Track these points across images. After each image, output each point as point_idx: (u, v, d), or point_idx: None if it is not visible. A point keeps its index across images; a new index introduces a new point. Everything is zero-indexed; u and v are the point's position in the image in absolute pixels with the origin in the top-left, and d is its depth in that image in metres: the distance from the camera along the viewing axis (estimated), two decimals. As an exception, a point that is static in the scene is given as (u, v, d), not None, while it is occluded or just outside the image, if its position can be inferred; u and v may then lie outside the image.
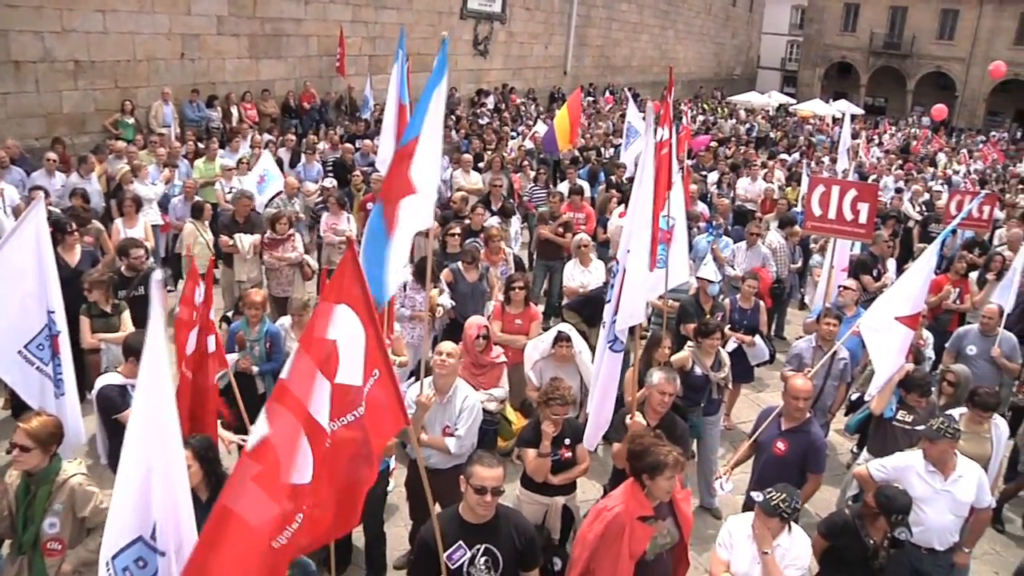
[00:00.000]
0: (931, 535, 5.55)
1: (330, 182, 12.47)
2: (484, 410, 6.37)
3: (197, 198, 11.38)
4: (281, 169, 13.23)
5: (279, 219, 9.74)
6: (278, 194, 11.86)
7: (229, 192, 12.00)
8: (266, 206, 11.54)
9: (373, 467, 4.12)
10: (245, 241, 9.69)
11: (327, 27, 20.44)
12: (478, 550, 4.39)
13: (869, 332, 6.59)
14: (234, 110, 17.51)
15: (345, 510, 4.01)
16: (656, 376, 5.87)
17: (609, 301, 5.62)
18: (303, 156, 14.37)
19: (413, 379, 5.93)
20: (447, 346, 5.88)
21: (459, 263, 8.85)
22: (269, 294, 9.73)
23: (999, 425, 6.54)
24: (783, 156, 21.49)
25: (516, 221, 11.45)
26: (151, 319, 3.19)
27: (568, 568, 4.88)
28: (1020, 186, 21.98)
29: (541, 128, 19.33)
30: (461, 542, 4.38)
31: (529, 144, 18.10)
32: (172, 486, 3.33)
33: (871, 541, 5.11)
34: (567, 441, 5.67)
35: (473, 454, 4.60)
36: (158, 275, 3.22)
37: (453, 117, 21.50)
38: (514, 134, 20.48)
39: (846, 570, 5.21)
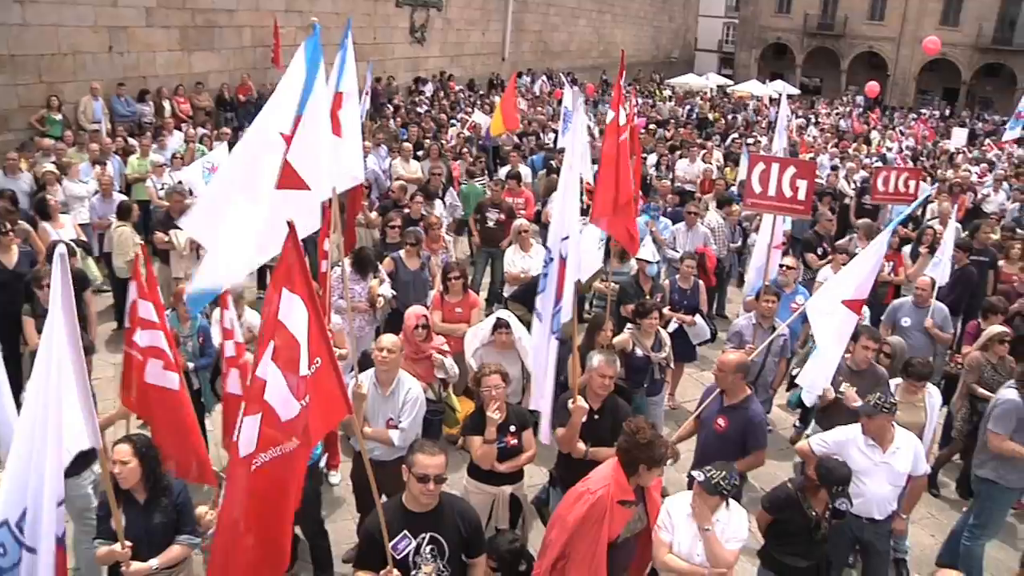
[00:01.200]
0: (871, 505, 5.68)
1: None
2: (428, 400, 6.35)
3: (124, 197, 11.10)
4: (217, 164, 12.97)
5: (217, 213, 9.56)
6: None
7: (161, 188, 11.74)
8: None
9: (307, 453, 4.12)
10: (181, 237, 9.50)
11: (260, 17, 20.06)
12: (423, 539, 4.38)
13: (817, 315, 6.54)
14: (166, 104, 17.11)
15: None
16: (596, 360, 5.86)
17: (543, 290, 5.59)
18: (239, 149, 14.06)
19: (354, 371, 5.87)
20: (387, 341, 5.81)
21: (400, 251, 8.79)
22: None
23: (932, 394, 6.72)
24: (755, 137, 21.38)
25: (440, 204, 11.38)
26: (51, 299, 3.10)
27: (542, 550, 4.84)
28: (949, 161, 22.48)
29: (479, 117, 19.30)
30: (406, 531, 4.36)
31: (468, 132, 18.05)
32: (41, 482, 3.29)
33: (813, 513, 5.21)
34: (512, 428, 5.66)
35: (414, 443, 4.56)
36: (61, 248, 3.14)
37: (391, 106, 21.34)
38: (453, 121, 20.37)
39: (790, 542, 5.30)
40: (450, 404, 6.99)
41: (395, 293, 8.40)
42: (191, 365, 6.85)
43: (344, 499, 7.17)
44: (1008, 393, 6.50)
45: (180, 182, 11.19)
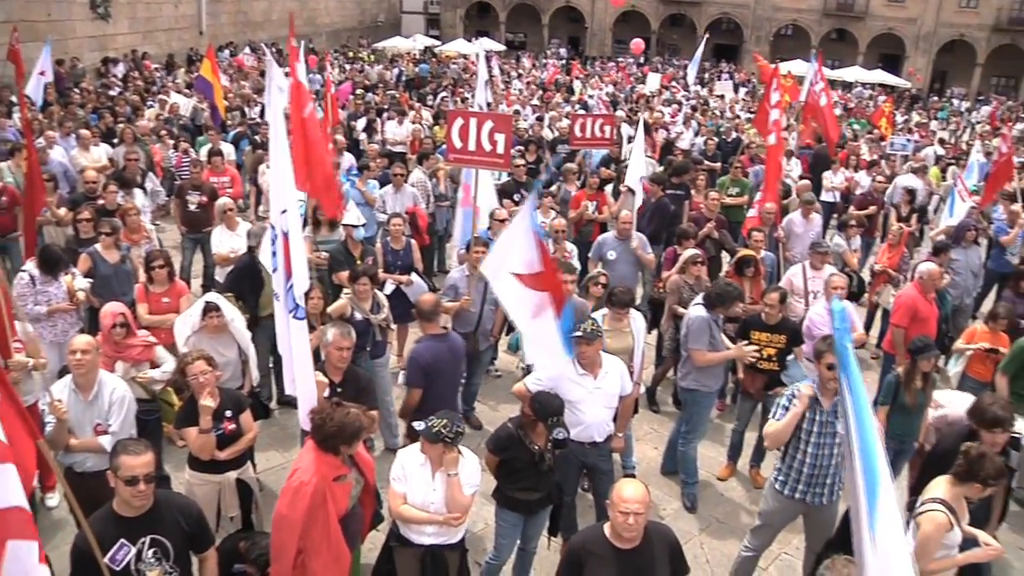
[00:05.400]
0: (591, 430, 6.02)
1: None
2: (140, 399, 6.00)
3: None
4: None
5: None
6: None
7: None
8: None
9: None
10: None
11: None
12: (143, 543, 4.18)
13: (490, 274, 6.20)
14: None
15: None
16: (330, 333, 5.84)
17: (276, 269, 5.42)
18: None
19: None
20: (79, 342, 5.41)
21: (96, 245, 8.17)
22: None
23: (636, 319, 7.17)
24: (462, 95, 21.34)
25: (141, 193, 10.69)
26: None
27: (275, 554, 4.63)
28: (646, 104, 24.08)
29: (179, 99, 18.27)
30: (123, 540, 4.13)
31: (168, 113, 17.06)
32: None
33: (535, 447, 5.41)
34: (228, 413, 5.49)
35: (116, 445, 4.28)
36: None
37: (78, 90, 19.64)
38: (151, 103, 19.07)
39: (519, 478, 5.48)
40: (166, 399, 6.58)
41: (91, 281, 7.79)
42: None
43: (66, 520, 6.60)
44: (696, 311, 7.14)
45: None
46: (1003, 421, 5.42)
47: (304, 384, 5.45)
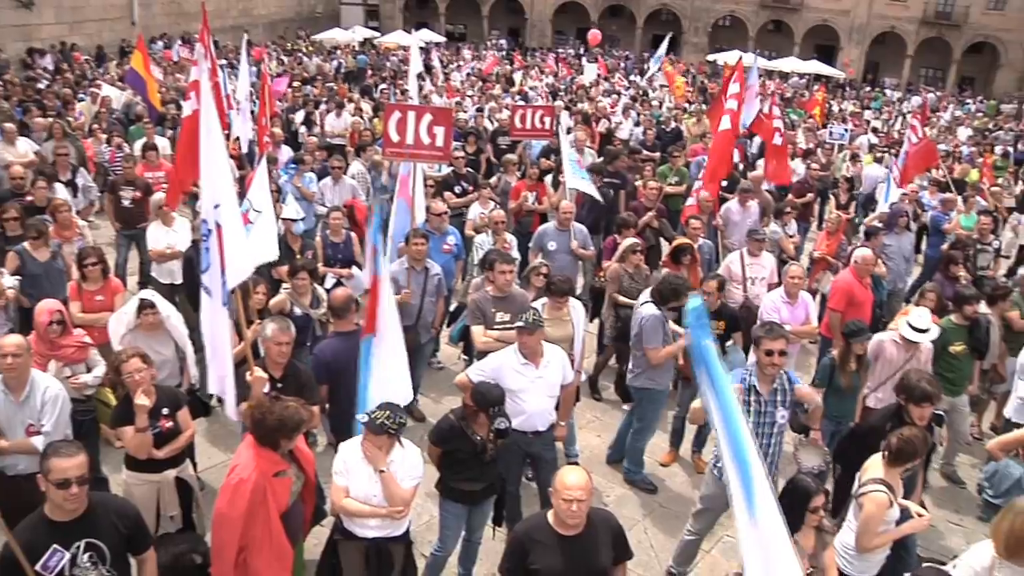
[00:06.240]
0: (534, 419, 6.04)
1: None
2: (76, 399, 5.87)
3: None
4: None
5: None
6: None
7: None
8: None
9: None
10: None
11: None
12: (78, 548, 4.09)
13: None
14: None
15: None
16: (269, 328, 5.78)
17: (208, 267, 5.32)
18: None
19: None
20: (9, 344, 5.26)
21: (24, 243, 7.96)
22: None
23: (576, 307, 7.18)
24: (401, 87, 21.22)
25: (61, 188, 10.38)
26: None
27: (216, 552, 4.61)
28: (586, 94, 24.19)
29: (111, 91, 17.84)
30: (56, 545, 4.04)
31: (100, 108, 16.64)
32: None
33: (478, 437, 5.42)
34: (165, 411, 5.39)
35: (47, 448, 4.18)
36: None
37: (0, 82, 19.05)
38: (82, 96, 18.57)
39: (462, 468, 5.49)
40: (102, 399, 6.46)
41: (19, 278, 7.59)
42: None
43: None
44: (647, 309, 7.06)
45: None
46: (931, 396, 5.65)
47: (236, 378, 5.46)
